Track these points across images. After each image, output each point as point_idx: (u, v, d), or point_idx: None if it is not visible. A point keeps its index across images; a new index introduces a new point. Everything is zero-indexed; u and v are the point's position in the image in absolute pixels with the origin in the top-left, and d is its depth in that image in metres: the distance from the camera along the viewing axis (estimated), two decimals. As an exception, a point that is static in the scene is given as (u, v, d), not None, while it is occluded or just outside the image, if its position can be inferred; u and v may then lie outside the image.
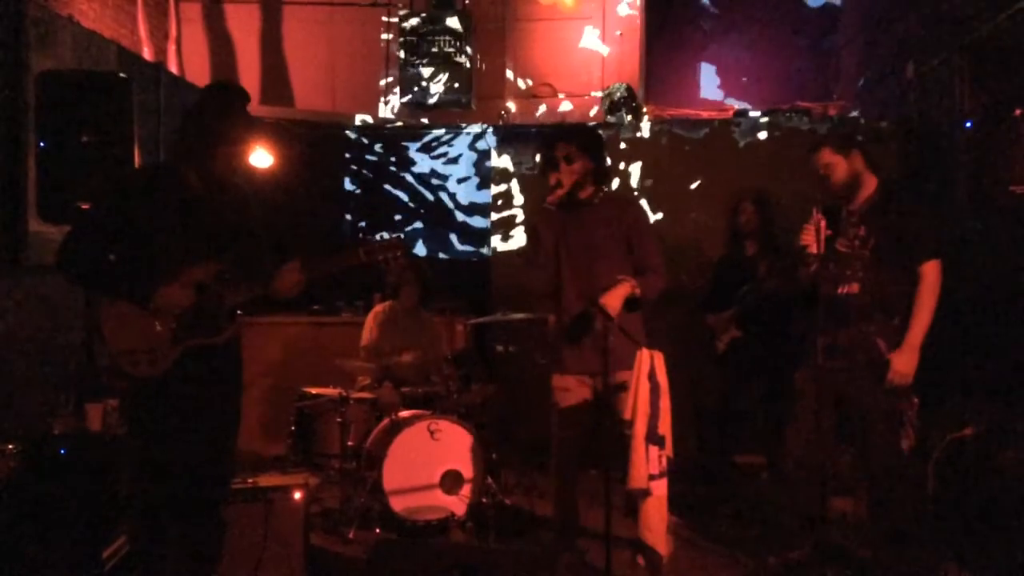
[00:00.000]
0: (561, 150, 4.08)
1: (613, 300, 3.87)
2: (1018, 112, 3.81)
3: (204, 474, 3.13)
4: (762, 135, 6.45)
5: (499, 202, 6.75)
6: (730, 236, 5.66)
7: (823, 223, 3.85)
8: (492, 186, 6.78)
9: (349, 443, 4.90)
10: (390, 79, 7.75)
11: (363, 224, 7.77)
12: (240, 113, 3.16)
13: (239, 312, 3.18)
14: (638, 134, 6.63)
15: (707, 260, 6.09)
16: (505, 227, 6.73)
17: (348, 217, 7.80)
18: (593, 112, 7.49)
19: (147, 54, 6.93)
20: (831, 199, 4.00)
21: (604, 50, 7.63)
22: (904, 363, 3.76)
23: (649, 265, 4.09)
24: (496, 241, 6.73)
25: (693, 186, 6.54)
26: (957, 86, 3.97)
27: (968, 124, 3.80)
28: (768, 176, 6.13)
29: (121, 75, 4.16)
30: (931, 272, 3.78)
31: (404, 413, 4.93)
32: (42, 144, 3.86)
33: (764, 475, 5.55)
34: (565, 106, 7.66)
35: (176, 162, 3.18)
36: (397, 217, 7.82)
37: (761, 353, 5.26)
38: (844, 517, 4.60)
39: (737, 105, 7.00)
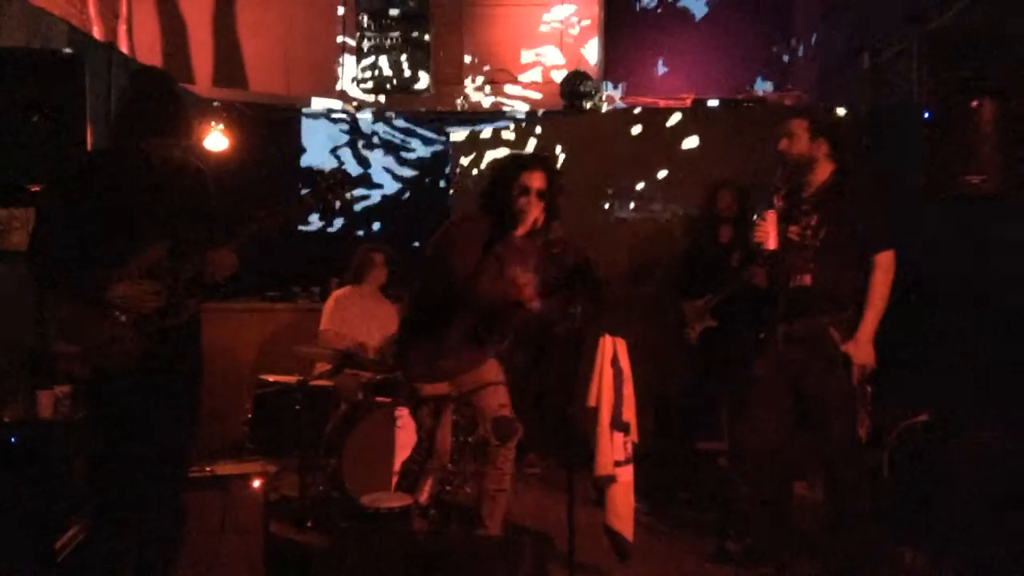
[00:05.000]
0: (537, 181, 3.65)
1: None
2: (975, 103, 3.85)
3: (166, 460, 3.08)
4: (719, 124, 6.47)
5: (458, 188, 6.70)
6: (704, 222, 5.68)
7: (774, 216, 3.88)
8: (452, 173, 6.73)
9: (308, 431, 4.83)
10: (346, 62, 7.64)
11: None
12: (166, 97, 3.11)
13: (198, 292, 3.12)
14: (596, 121, 6.61)
15: (668, 251, 6.10)
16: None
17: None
18: (550, 99, 7.46)
19: (97, 34, 6.75)
20: (786, 179, 4.00)
21: (563, 37, 7.61)
22: (863, 355, 3.78)
23: None
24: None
25: (652, 175, 6.55)
26: (915, 76, 3.99)
27: (927, 115, 3.83)
28: (725, 165, 6.15)
29: (74, 53, 4.05)
30: (884, 262, 3.78)
31: (364, 400, 4.88)
32: (-10, 124, 3.72)
33: (721, 460, 5.58)
34: (523, 93, 7.62)
35: (116, 151, 3.14)
36: (353, 202, 7.70)
37: (733, 344, 5.28)
38: (800, 502, 4.66)
39: (695, 94, 7.00)
